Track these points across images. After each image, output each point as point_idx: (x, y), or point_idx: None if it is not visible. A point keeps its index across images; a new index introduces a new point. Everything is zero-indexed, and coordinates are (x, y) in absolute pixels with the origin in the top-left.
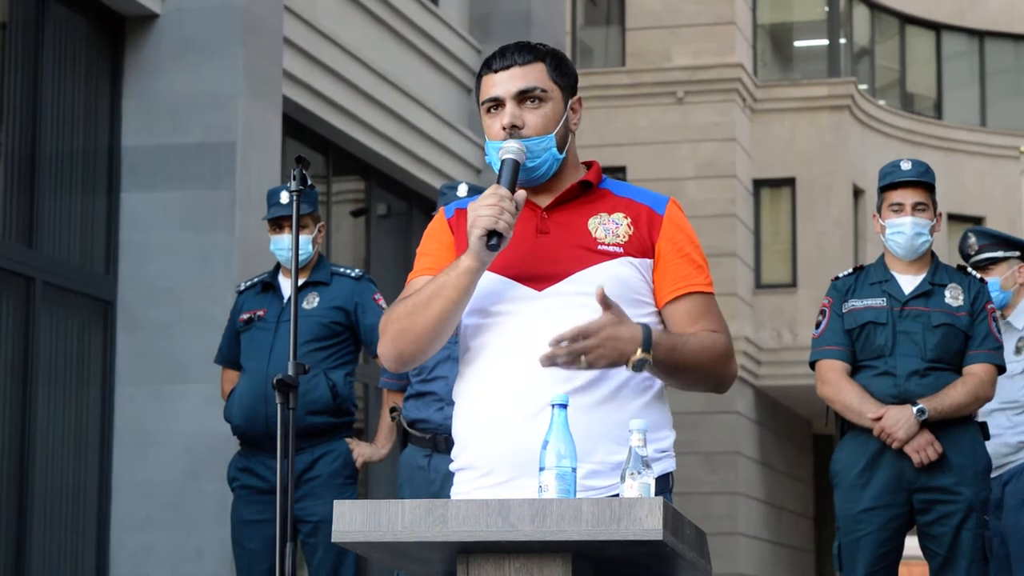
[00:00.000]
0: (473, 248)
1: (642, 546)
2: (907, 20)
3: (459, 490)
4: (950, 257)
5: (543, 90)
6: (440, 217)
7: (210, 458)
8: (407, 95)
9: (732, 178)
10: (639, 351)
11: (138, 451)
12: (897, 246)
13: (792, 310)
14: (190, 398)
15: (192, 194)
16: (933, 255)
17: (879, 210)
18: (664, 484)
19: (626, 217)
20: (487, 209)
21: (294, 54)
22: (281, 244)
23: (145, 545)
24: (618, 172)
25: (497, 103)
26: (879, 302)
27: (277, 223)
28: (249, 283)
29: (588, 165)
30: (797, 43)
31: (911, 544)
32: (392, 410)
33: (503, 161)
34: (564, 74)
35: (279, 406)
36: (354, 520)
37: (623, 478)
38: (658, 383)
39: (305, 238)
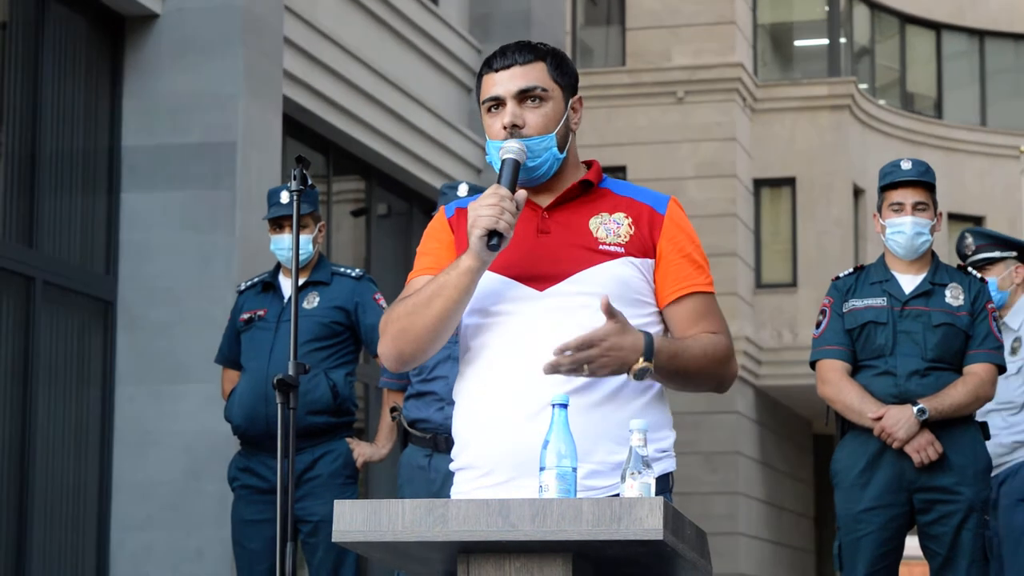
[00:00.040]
0: (474, 248)
1: (642, 546)
2: (907, 20)
3: (459, 490)
4: (950, 257)
5: (544, 89)
6: (440, 216)
7: (210, 458)
8: (407, 95)
9: (732, 178)
10: (641, 360)
11: (138, 451)
12: (897, 246)
13: (792, 310)
14: (190, 398)
15: (192, 194)
16: (933, 255)
17: (879, 210)
18: (664, 484)
19: (627, 217)
20: (488, 209)
21: (294, 54)
22: (281, 244)
23: (145, 545)
24: (618, 172)
25: (498, 102)
26: (879, 302)
27: (277, 223)
28: (249, 283)
29: (588, 164)
30: (797, 43)
31: (911, 544)
32: (392, 410)
33: (504, 161)
34: (565, 73)
35: (279, 406)
36: (354, 520)
37: (623, 478)
38: (658, 383)
39: (305, 238)
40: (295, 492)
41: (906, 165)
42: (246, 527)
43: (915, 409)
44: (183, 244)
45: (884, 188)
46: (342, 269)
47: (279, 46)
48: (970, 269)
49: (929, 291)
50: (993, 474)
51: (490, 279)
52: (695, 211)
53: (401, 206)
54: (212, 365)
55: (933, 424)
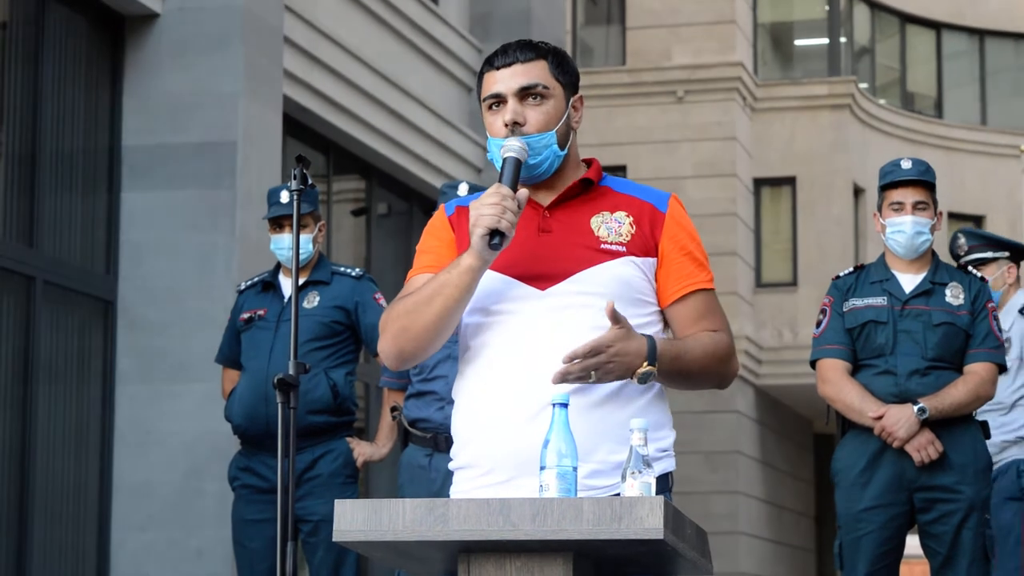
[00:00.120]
0: (475, 247)
1: (643, 545)
2: (907, 19)
3: (459, 489)
4: (950, 256)
5: (545, 87)
6: (440, 214)
7: (211, 457)
8: (407, 94)
9: (733, 177)
10: (645, 364)
11: (139, 451)
12: (898, 245)
13: (793, 309)
14: (190, 398)
15: (192, 194)
16: (934, 254)
17: (879, 209)
18: (664, 484)
19: (628, 216)
20: (489, 208)
21: (294, 53)
22: (281, 243)
23: (146, 545)
24: (618, 171)
25: (499, 100)
26: (880, 301)
27: (277, 222)
28: (249, 282)
29: (588, 163)
30: (797, 42)
31: (912, 543)
32: (393, 409)
33: (505, 159)
34: (566, 72)
35: (280, 405)
36: (355, 519)
37: (624, 477)
38: (658, 383)
39: (305, 237)
40: (295, 492)
41: (906, 164)
42: (246, 527)
43: (915, 408)
44: (183, 244)
45: (884, 187)
46: (342, 269)
47: (279, 45)
48: (970, 268)
49: (929, 290)
50: None
51: (491, 278)
52: (695, 210)
53: (401, 206)
54: (212, 365)
55: (933, 423)
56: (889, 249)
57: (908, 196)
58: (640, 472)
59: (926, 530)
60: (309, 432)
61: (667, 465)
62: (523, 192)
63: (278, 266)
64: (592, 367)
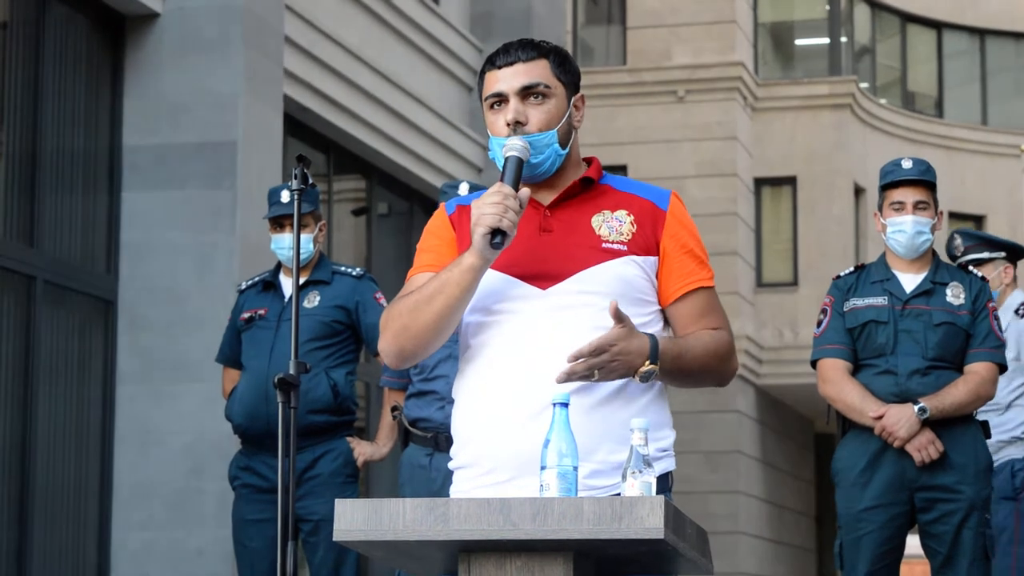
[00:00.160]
0: (477, 246)
1: (643, 545)
2: (908, 18)
3: (459, 488)
4: None
5: (546, 86)
6: (441, 213)
7: (211, 457)
8: (408, 94)
9: (733, 176)
10: (647, 363)
11: (139, 450)
12: (898, 245)
13: (793, 309)
14: (191, 397)
15: (193, 194)
16: (934, 254)
17: (880, 209)
18: (664, 484)
19: (629, 214)
20: (491, 207)
21: (295, 53)
22: (282, 243)
23: (146, 544)
24: (619, 171)
25: (500, 99)
26: (880, 301)
27: (278, 222)
28: (250, 282)
29: (588, 162)
30: (798, 41)
31: (912, 543)
32: (393, 409)
33: (507, 159)
34: (567, 71)
35: (280, 405)
36: (355, 519)
37: (624, 477)
38: (659, 382)
39: (306, 237)
40: (296, 491)
41: (907, 164)
42: (247, 526)
43: (916, 408)
44: (183, 243)
45: (885, 187)
46: (343, 268)
47: (280, 45)
48: (971, 268)
49: (930, 290)
50: None
51: (492, 277)
52: (696, 210)
53: (402, 205)
54: (213, 364)
55: (934, 423)
56: (890, 249)
57: (909, 196)
58: (640, 472)
59: (926, 530)
60: (309, 432)
61: (667, 465)
62: (525, 191)
63: (279, 266)
64: (596, 366)
